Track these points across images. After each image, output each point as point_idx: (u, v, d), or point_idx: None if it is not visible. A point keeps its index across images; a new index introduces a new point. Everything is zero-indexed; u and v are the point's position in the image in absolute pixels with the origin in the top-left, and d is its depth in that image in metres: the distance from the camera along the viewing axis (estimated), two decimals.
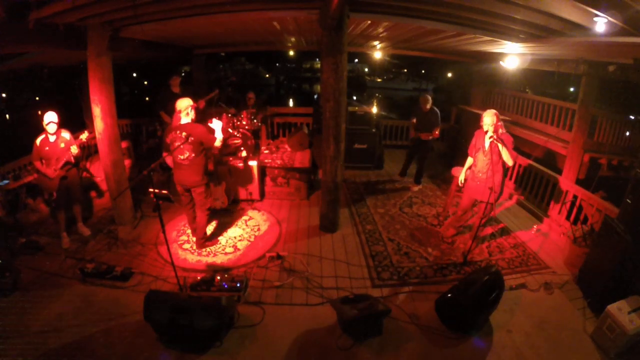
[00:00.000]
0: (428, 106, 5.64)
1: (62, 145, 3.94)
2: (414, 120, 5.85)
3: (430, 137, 5.59)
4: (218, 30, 5.06)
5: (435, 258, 4.04)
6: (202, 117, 5.69)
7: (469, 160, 4.06)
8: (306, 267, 3.83)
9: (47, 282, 3.48)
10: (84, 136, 4.07)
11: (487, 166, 3.75)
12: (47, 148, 3.87)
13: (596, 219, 4.02)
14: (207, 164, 3.96)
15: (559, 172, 5.38)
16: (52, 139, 3.89)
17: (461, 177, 4.14)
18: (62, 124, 3.97)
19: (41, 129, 3.90)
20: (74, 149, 3.97)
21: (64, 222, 4.11)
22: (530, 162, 5.52)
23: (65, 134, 4.00)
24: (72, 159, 4.07)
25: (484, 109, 3.99)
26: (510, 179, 5.91)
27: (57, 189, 4.00)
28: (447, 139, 8.26)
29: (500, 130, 3.67)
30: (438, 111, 5.66)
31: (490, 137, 3.60)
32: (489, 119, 3.64)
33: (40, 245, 4.06)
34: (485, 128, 3.67)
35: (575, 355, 2.80)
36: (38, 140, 3.87)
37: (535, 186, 5.34)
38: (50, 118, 3.83)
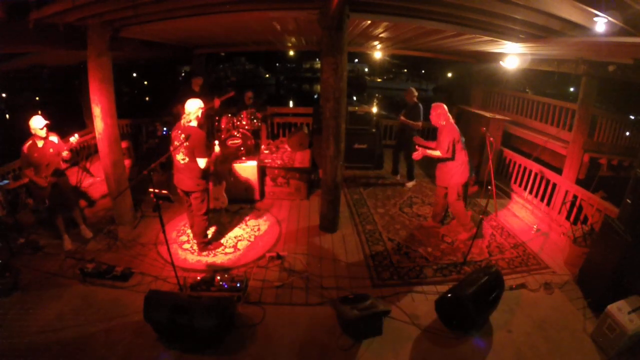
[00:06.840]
0: (414, 99, 5.81)
1: (51, 150, 3.77)
2: (402, 116, 5.90)
3: (406, 121, 5.71)
4: (218, 30, 5.06)
5: (435, 258, 4.04)
6: (218, 113, 5.72)
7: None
8: (306, 267, 3.83)
9: (47, 282, 3.48)
10: (73, 139, 3.89)
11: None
12: (35, 155, 3.68)
13: (596, 219, 4.02)
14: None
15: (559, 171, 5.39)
16: (40, 144, 3.70)
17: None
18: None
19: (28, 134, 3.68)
20: (65, 153, 3.85)
21: (63, 224, 4.06)
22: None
23: (53, 138, 3.82)
24: (62, 165, 3.97)
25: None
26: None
27: (48, 195, 3.84)
28: None
29: (442, 122, 4.03)
30: (421, 106, 5.72)
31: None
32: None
33: (40, 245, 4.06)
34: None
35: (575, 355, 2.80)
36: (26, 147, 3.66)
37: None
38: (42, 122, 3.64)
